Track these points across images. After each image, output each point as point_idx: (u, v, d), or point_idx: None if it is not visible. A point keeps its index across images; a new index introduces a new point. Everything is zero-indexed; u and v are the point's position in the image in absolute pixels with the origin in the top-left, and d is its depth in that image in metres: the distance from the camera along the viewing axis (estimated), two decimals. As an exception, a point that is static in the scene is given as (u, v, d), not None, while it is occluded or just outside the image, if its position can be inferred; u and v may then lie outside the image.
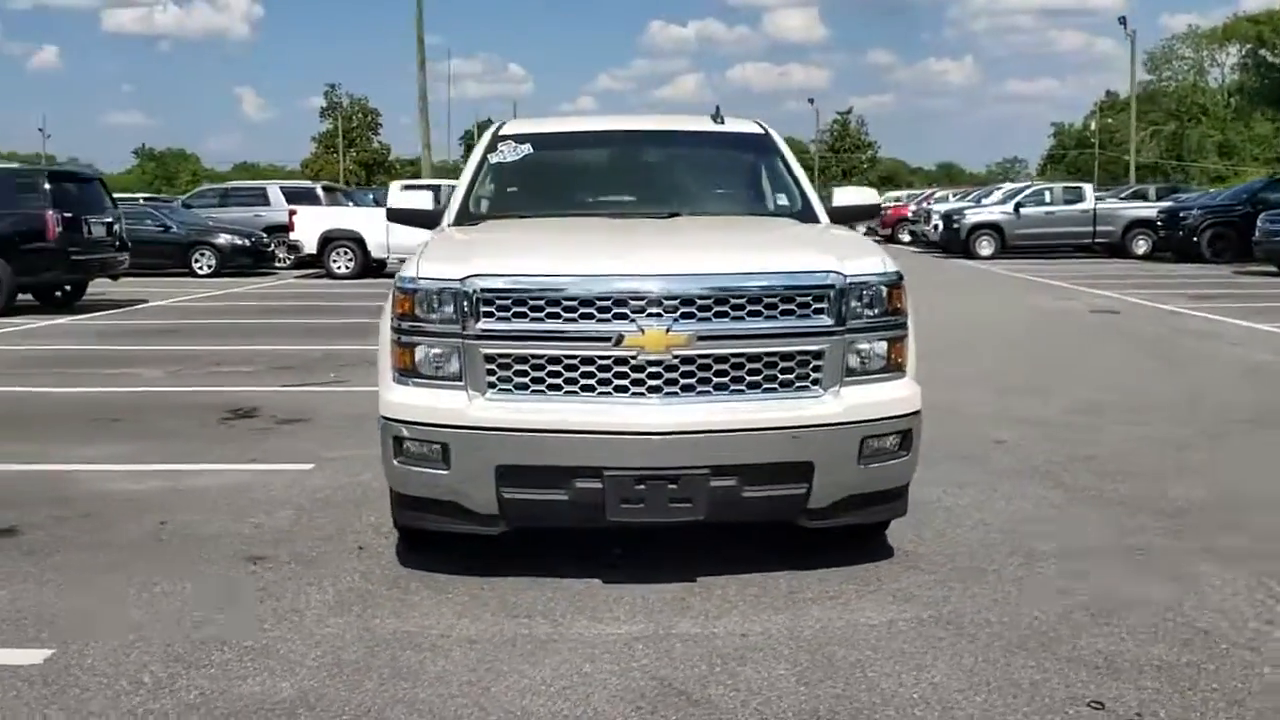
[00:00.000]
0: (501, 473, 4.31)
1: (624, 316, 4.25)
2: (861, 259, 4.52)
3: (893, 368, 4.54)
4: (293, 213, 23.35)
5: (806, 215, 5.68)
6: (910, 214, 38.78)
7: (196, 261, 23.47)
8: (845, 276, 4.40)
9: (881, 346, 4.50)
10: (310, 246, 22.83)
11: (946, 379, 8.07)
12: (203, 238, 23.76)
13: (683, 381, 4.30)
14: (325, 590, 4.53)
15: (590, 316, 4.27)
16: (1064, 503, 5.83)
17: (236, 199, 27.91)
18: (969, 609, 4.31)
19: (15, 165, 22.97)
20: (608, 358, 4.28)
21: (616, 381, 4.30)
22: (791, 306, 4.35)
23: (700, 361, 4.30)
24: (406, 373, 4.45)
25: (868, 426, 4.42)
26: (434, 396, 4.39)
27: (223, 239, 23.70)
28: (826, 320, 4.37)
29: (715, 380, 4.32)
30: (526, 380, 4.34)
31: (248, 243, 23.86)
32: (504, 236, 5.22)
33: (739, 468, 4.31)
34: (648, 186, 6.10)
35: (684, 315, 4.26)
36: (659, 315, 4.25)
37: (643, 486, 4.26)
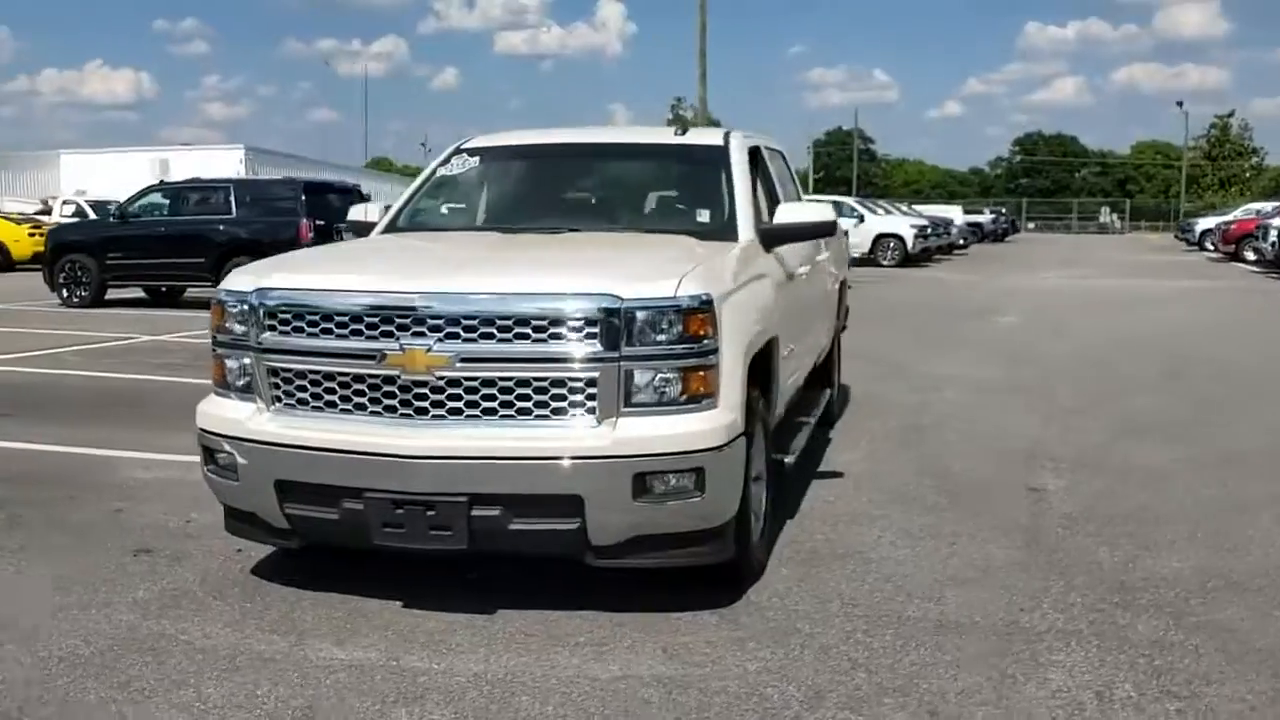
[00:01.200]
0: (281, 487, 4.33)
1: (390, 335, 4.17)
2: (653, 282, 4.16)
3: (691, 399, 4.15)
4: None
5: (725, 233, 5.31)
6: (1255, 229, 34.77)
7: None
8: (623, 300, 4.08)
9: (673, 376, 4.13)
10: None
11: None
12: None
13: (449, 405, 4.15)
14: (153, 587, 4.71)
15: (359, 333, 4.22)
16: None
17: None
18: (723, 678, 3.86)
19: (283, 176, 25.21)
20: (374, 376, 4.21)
21: (385, 401, 4.22)
22: (561, 330, 4.09)
23: (467, 384, 4.13)
24: (219, 383, 4.57)
25: (644, 461, 4.08)
26: (230, 408, 4.49)
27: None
28: (598, 346, 4.07)
29: (481, 405, 4.14)
30: (306, 395, 4.35)
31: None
32: (349, 249, 5.24)
33: (502, 497, 4.10)
34: (570, 201, 5.96)
35: (448, 335, 4.12)
36: (422, 334, 4.13)
37: (401, 511, 4.15)
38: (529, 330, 4.09)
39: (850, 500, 6.06)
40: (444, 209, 6.00)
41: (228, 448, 4.42)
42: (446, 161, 6.04)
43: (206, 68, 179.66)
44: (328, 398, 4.30)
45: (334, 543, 4.56)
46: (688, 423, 4.14)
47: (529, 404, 4.12)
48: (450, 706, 3.62)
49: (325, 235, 16.71)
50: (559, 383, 4.10)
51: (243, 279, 4.52)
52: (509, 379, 4.11)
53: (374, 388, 4.22)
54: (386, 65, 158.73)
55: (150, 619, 4.36)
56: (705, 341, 4.17)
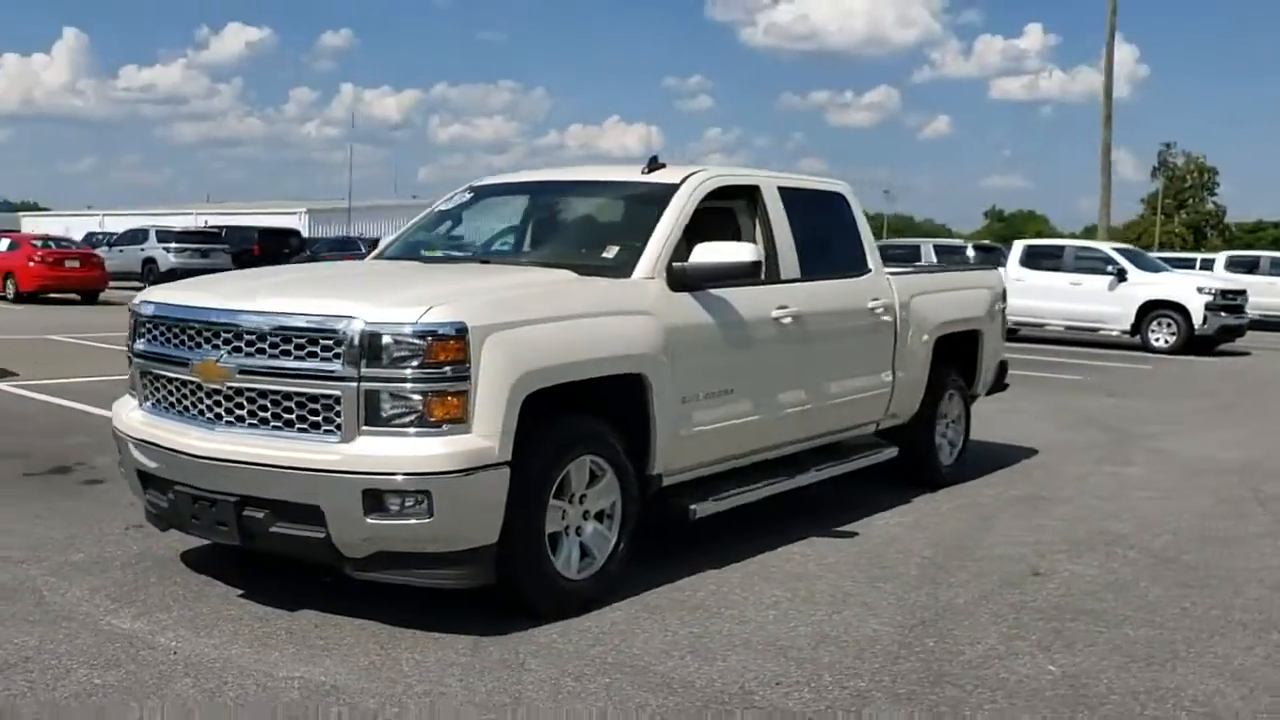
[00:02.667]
0: (140, 477, 4.98)
1: (197, 346, 4.68)
2: (400, 308, 4.35)
3: (435, 422, 4.30)
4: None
5: (619, 270, 5.32)
6: None
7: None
8: (366, 324, 4.31)
9: (415, 399, 4.30)
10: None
11: None
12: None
13: (235, 413, 4.59)
14: (110, 575, 5.50)
15: (180, 344, 4.77)
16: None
17: (891, 255, 28.72)
18: (383, 695, 4.00)
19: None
20: (187, 383, 4.74)
21: (194, 406, 4.73)
22: (315, 350, 4.40)
23: (246, 395, 4.55)
24: (129, 384, 5.30)
25: (372, 479, 4.28)
26: (125, 405, 5.20)
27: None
28: (340, 366, 4.33)
29: (257, 415, 4.53)
30: (158, 396, 4.96)
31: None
32: (250, 273, 5.74)
33: (265, 501, 4.47)
34: (513, 234, 6.14)
35: (232, 350, 4.56)
36: (216, 348, 4.61)
37: (197, 505, 4.64)
38: (290, 349, 4.43)
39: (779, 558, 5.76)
40: (420, 238, 6.40)
41: (116, 440, 5.12)
42: (452, 197, 6.47)
43: (709, 121, 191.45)
44: (165, 399, 4.87)
45: (173, 528, 5.06)
46: (422, 446, 4.28)
47: (291, 417, 4.45)
48: (118, 670, 4.01)
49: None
50: (314, 399, 4.39)
51: (140, 295, 5.21)
52: (276, 393, 4.47)
53: (189, 393, 4.73)
54: (877, 115, 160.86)
55: (63, 591, 5.13)
56: (451, 368, 4.28)
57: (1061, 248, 22.39)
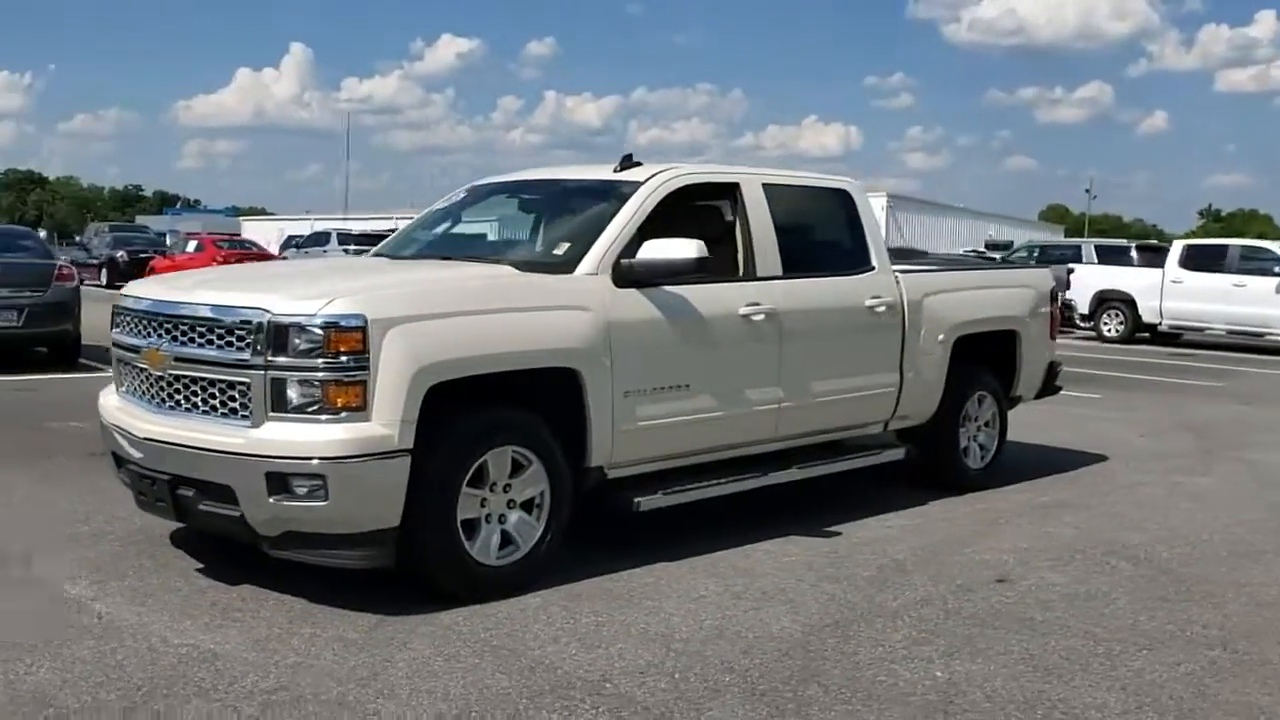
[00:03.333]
0: (114, 458, 5.40)
1: (146, 335, 5.06)
2: (304, 301, 4.59)
3: (335, 410, 4.53)
4: (1070, 270, 22.62)
5: (563, 266, 5.44)
6: None
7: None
8: (273, 315, 4.58)
9: (316, 387, 4.54)
10: (1083, 307, 21.98)
11: None
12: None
13: (174, 397, 4.94)
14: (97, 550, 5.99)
15: (137, 333, 5.15)
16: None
17: (1051, 256, 27.59)
18: (251, 666, 4.25)
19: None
20: (141, 369, 5.11)
21: (145, 390, 5.11)
22: (232, 339, 4.69)
23: (181, 380, 4.89)
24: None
25: (274, 463, 4.54)
26: (106, 393, 5.63)
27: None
28: (250, 355, 4.61)
29: (188, 400, 4.87)
30: (125, 382, 5.36)
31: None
32: (218, 268, 6.08)
33: (192, 481, 4.80)
34: (486, 232, 6.34)
35: (170, 339, 4.92)
36: (160, 337, 4.97)
37: (143, 483, 5.02)
38: (213, 338, 4.74)
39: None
40: (413, 235, 6.65)
41: (101, 425, 5.56)
42: (448, 197, 6.72)
43: (910, 120, 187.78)
44: (130, 385, 5.27)
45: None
46: (321, 432, 4.51)
47: (215, 402, 4.75)
48: (37, 629, 4.39)
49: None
50: (232, 385, 4.69)
51: (123, 289, 5.64)
52: (203, 379, 4.78)
53: (143, 379, 5.10)
54: (1088, 111, 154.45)
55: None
56: (350, 358, 4.50)
57: (1225, 247, 21.07)
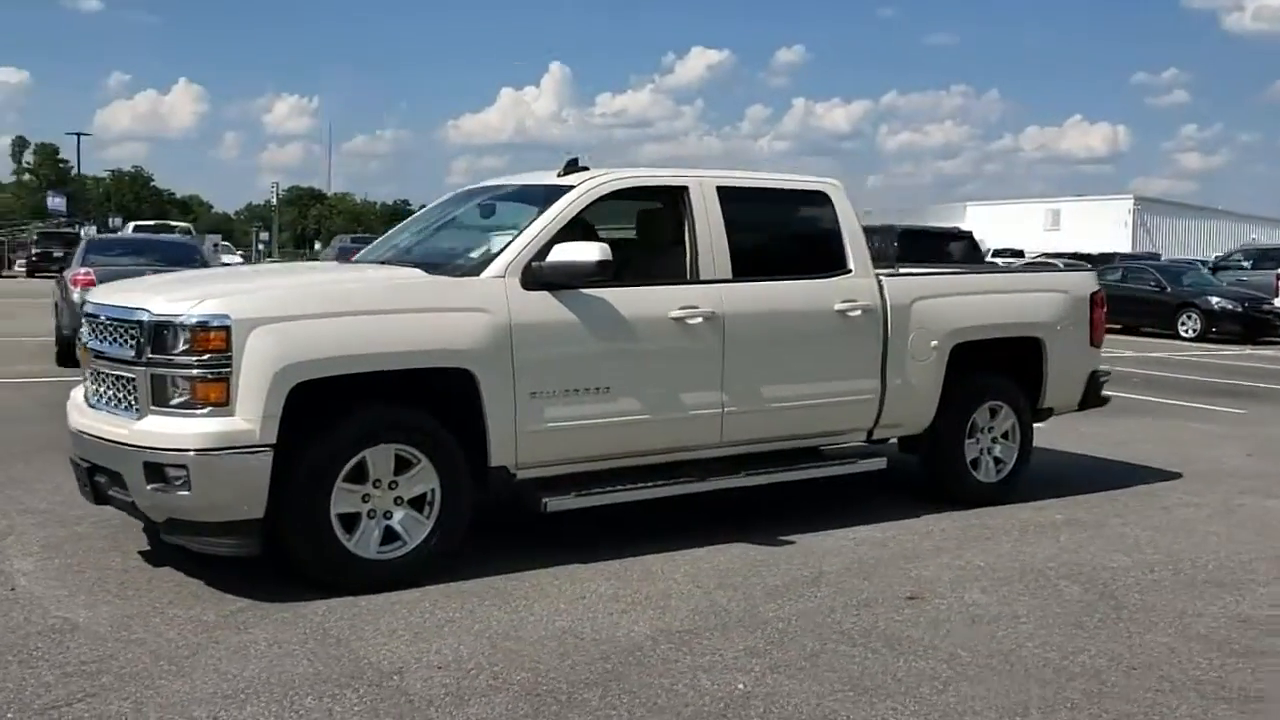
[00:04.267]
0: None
1: (88, 334, 5.51)
2: (177, 303, 4.92)
3: (201, 405, 4.84)
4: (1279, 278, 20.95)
5: (475, 269, 5.57)
6: None
7: (1182, 325, 22.54)
8: (151, 315, 4.94)
9: (185, 384, 4.86)
10: (1291, 315, 20.27)
11: None
12: (1192, 299, 22.68)
13: (99, 390, 5.37)
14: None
15: (85, 332, 5.63)
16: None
17: (1269, 262, 25.43)
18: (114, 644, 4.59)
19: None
20: (84, 365, 5.59)
21: (88, 386, 5.57)
22: (124, 338, 5.08)
23: (100, 375, 5.32)
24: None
25: (147, 454, 4.88)
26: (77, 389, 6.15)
27: (1213, 302, 22.34)
28: (133, 353, 4.98)
29: (104, 393, 5.29)
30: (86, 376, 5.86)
31: (1239, 308, 22.06)
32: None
33: (100, 469, 5.22)
34: (432, 235, 6.50)
35: (93, 337, 5.36)
36: (88, 335, 5.43)
37: (75, 469, 5.49)
38: (113, 337, 5.13)
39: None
40: (388, 241, 6.90)
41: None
42: (438, 201, 6.99)
43: (1184, 117, 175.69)
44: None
45: None
46: (187, 426, 4.81)
47: (117, 396, 5.15)
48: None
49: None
50: (127, 381, 5.06)
51: (93, 292, 6.15)
52: (109, 375, 5.18)
53: (88, 375, 5.56)
54: None
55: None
56: (213, 356, 4.79)
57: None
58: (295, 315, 4.97)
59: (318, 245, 74.23)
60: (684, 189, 6.13)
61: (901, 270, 7.07)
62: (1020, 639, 4.75)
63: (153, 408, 4.91)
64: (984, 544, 6.25)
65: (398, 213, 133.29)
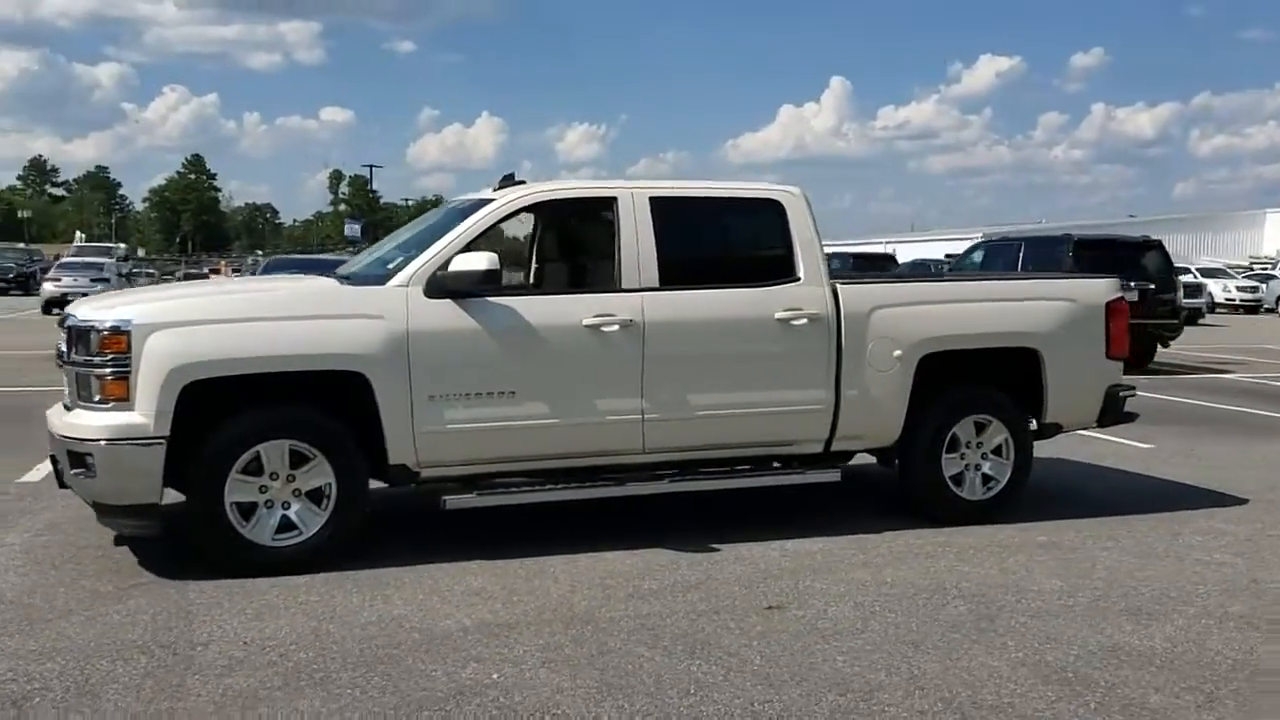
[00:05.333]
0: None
1: (68, 341, 6.29)
2: (96, 311, 5.57)
3: (106, 401, 5.47)
4: None
5: (381, 279, 5.98)
6: None
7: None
8: (76, 321, 5.63)
9: (95, 382, 5.51)
10: None
11: None
12: None
13: (66, 391, 6.13)
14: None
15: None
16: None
17: None
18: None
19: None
20: (67, 370, 6.38)
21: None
22: (67, 341, 5.76)
23: (71, 375, 6.06)
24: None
25: (67, 443, 5.56)
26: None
27: None
28: (71, 353, 5.67)
29: (66, 392, 6.02)
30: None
31: None
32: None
33: (56, 457, 5.93)
34: (371, 248, 6.91)
35: (68, 342, 6.10)
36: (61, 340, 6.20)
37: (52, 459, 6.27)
38: (69, 342, 5.81)
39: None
40: (365, 254, 7.39)
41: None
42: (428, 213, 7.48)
43: None
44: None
45: None
46: (93, 419, 5.45)
47: (65, 392, 5.86)
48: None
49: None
50: (70, 378, 5.76)
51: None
52: (73, 374, 5.84)
53: None
54: None
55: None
56: (115, 358, 5.41)
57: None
58: (190, 322, 5.52)
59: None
60: (613, 200, 6.29)
61: (865, 278, 6.87)
62: (837, 653, 4.63)
63: (79, 403, 5.57)
64: (917, 561, 6.03)
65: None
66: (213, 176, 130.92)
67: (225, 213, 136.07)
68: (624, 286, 6.16)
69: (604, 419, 6.10)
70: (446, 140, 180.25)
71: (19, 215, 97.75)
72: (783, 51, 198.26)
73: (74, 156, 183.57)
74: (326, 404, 5.72)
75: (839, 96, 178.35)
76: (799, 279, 6.49)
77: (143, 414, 5.38)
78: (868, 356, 6.53)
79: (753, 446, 6.52)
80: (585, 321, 6.02)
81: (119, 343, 5.40)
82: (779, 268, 6.53)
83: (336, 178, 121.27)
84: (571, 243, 6.21)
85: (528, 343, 5.95)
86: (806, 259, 6.53)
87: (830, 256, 9.05)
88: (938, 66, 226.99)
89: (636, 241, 6.20)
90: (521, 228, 6.84)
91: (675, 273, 6.25)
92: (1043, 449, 7.43)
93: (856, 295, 6.58)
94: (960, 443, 6.86)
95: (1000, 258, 17.98)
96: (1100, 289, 7.22)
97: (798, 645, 4.72)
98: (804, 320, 6.41)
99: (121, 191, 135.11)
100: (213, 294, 6.14)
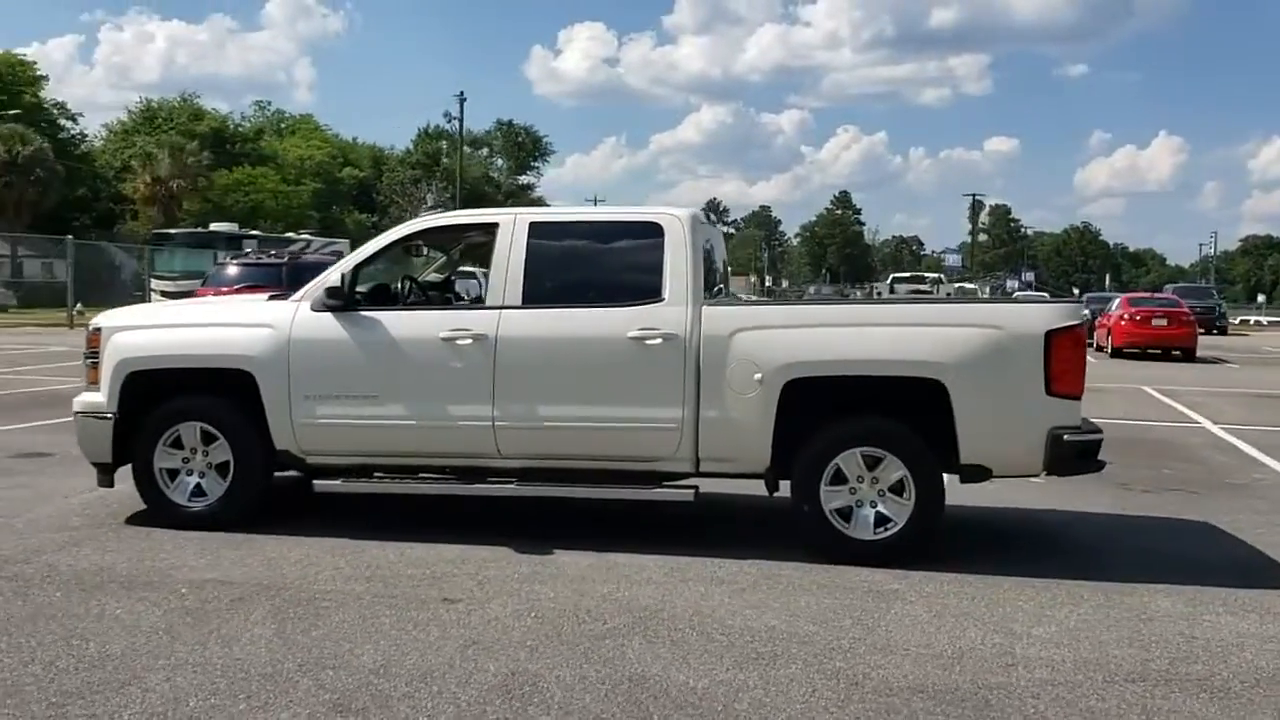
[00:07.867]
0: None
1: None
2: (99, 317, 7.42)
3: (90, 384, 7.30)
4: None
5: (293, 295, 7.26)
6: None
7: None
8: (91, 325, 7.55)
9: (87, 369, 7.39)
10: None
11: None
12: None
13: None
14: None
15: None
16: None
17: None
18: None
19: None
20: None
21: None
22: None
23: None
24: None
25: (76, 416, 7.47)
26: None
27: None
28: (85, 349, 7.59)
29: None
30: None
31: None
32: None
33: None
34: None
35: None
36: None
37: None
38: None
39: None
40: None
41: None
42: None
43: None
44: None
45: None
46: (83, 397, 7.29)
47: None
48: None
49: None
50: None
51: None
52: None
53: None
54: None
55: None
56: (92, 351, 7.23)
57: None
58: (135, 326, 7.15)
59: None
60: (495, 225, 6.93)
61: (740, 299, 6.76)
62: (446, 647, 4.96)
63: (87, 388, 7.43)
64: (747, 594, 5.82)
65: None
66: (858, 211, 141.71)
67: (870, 245, 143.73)
68: (489, 304, 6.78)
69: (457, 423, 6.77)
70: (1117, 164, 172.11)
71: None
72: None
73: (753, 198, 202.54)
74: (233, 397, 7.02)
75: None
76: (663, 299, 6.62)
77: (104, 395, 7.09)
78: (727, 378, 6.49)
79: (612, 460, 6.72)
80: (441, 335, 6.74)
81: (94, 341, 7.18)
82: (646, 289, 6.69)
83: (977, 207, 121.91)
84: (472, 262, 6.90)
85: (390, 353, 6.82)
86: (674, 280, 6.63)
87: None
88: None
89: (508, 263, 6.78)
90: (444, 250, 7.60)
91: (540, 292, 6.74)
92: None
93: (719, 317, 6.55)
94: (847, 477, 6.50)
95: None
96: (1038, 316, 6.38)
97: (424, 635, 5.09)
98: (658, 340, 6.54)
99: (781, 228, 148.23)
100: (164, 305, 7.75)
